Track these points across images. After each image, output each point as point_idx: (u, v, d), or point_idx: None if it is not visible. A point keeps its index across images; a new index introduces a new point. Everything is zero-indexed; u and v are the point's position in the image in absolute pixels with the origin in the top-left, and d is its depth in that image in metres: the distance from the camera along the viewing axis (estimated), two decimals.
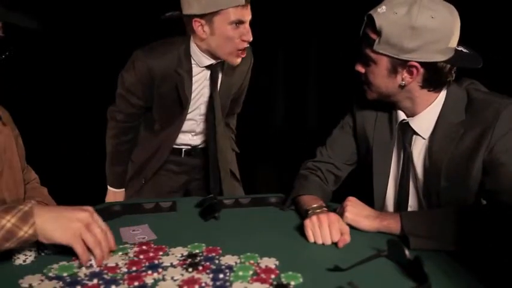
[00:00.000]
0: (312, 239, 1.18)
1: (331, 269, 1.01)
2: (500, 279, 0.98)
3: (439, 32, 1.18)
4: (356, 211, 1.25)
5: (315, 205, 1.27)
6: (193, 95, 1.82)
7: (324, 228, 1.17)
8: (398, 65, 1.23)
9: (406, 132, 1.34)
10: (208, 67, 1.79)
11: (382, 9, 1.21)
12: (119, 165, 1.98)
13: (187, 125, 1.89)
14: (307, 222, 1.20)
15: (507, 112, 1.21)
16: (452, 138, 1.26)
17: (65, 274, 1.00)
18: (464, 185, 1.26)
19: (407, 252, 1.00)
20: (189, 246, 1.14)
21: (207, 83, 1.83)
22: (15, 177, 1.31)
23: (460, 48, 1.24)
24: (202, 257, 1.08)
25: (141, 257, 1.08)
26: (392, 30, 1.19)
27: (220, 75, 1.84)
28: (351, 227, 1.21)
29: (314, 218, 1.19)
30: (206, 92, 1.85)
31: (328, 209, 1.26)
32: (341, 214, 1.25)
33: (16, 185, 1.31)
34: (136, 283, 0.96)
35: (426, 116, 1.31)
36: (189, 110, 1.85)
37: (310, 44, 3.11)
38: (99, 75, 2.05)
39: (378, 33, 1.21)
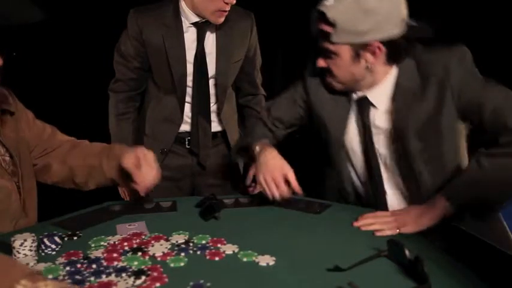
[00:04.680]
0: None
1: (331, 269, 1.01)
2: (501, 279, 0.98)
3: (389, 7, 1.25)
4: (409, 219, 1.23)
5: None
6: (186, 57, 1.83)
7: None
8: (360, 49, 1.28)
9: (364, 106, 1.39)
10: (195, 25, 1.82)
11: (329, 1, 1.26)
12: (122, 139, 1.91)
13: (187, 94, 1.89)
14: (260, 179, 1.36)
15: (454, 61, 1.27)
16: (412, 104, 1.31)
17: (50, 276, 0.98)
18: (438, 142, 1.32)
19: (407, 252, 1.00)
20: (194, 237, 1.17)
21: (196, 44, 1.84)
22: (29, 169, 1.34)
23: (409, 22, 1.30)
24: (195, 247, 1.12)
25: (125, 244, 1.13)
26: (346, 17, 1.24)
27: (214, 35, 1.85)
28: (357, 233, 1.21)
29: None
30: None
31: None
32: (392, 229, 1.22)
33: (30, 176, 1.34)
34: (115, 263, 1.03)
35: (383, 87, 1.36)
36: (187, 71, 1.85)
37: (309, 46, 3.10)
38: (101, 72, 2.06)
39: (333, 24, 1.26)
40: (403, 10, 1.28)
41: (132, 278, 0.96)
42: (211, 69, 1.87)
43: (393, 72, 1.35)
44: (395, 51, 1.31)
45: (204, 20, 1.80)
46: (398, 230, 1.20)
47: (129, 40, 1.86)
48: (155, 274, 0.98)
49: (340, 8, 1.25)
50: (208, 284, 0.95)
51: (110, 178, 1.39)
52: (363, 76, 1.34)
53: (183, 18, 1.83)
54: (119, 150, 1.38)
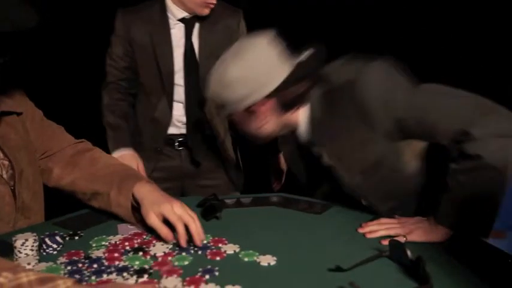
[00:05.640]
0: None
1: (332, 269, 1.01)
2: (502, 279, 0.98)
3: (253, 70, 1.26)
4: (416, 228, 1.19)
5: None
6: (174, 54, 1.84)
7: None
8: (248, 111, 1.31)
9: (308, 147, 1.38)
10: (183, 21, 1.83)
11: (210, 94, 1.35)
12: (116, 123, 1.91)
13: (177, 93, 1.88)
14: None
15: (365, 90, 1.22)
16: (327, 136, 1.30)
17: None
18: (373, 168, 1.29)
19: (409, 252, 0.99)
20: None
21: (184, 40, 1.85)
22: (34, 171, 1.32)
23: (300, 58, 1.31)
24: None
25: (126, 243, 1.13)
26: (217, 94, 1.31)
27: (197, 32, 1.86)
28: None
29: None
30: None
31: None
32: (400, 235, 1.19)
33: (35, 178, 1.32)
34: (116, 262, 1.03)
35: (303, 126, 1.35)
36: (174, 69, 1.85)
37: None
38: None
39: (215, 103, 1.35)
40: (274, 61, 1.28)
41: (134, 277, 0.96)
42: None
43: (306, 107, 1.34)
44: (287, 97, 1.29)
45: (190, 16, 1.81)
46: (405, 238, 1.16)
47: (117, 40, 1.88)
48: (169, 267, 1.01)
49: (211, 88, 1.33)
50: (217, 273, 0.98)
51: (115, 212, 1.26)
52: (274, 127, 1.36)
53: (169, 15, 1.83)
54: (134, 183, 1.22)
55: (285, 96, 1.29)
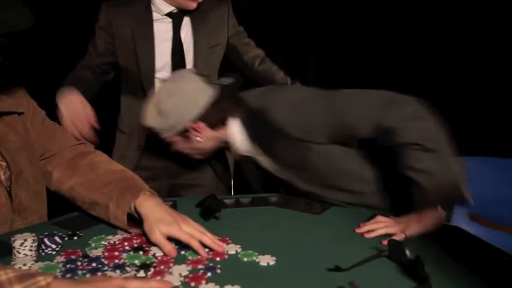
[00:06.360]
0: None
1: (332, 269, 1.01)
2: (501, 279, 0.98)
3: (183, 101, 1.46)
4: (411, 221, 1.23)
5: None
6: (157, 50, 1.83)
7: None
8: (183, 134, 1.51)
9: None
10: (170, 15, 1.82)
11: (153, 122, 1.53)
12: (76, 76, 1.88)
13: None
14: None
15: (277, 114, 1.38)
16: (265, 146, 1.45)
17: None
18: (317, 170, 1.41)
19: (407, 252, 1.00)
20: None
21: (171, 34, 1.84)
22: (35, 172, 1.30)
23: (220, 85, 1.52)
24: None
25: (126, 243, 1.13)
26: (152, 121, 1.52)
27: (190, 23, 1.85)
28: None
29: None
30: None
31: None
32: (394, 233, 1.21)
33: (36, 179, 1.30)
34: (116, 261, 1.03)
35: (237, 139, 1.51)
36: (157, 67, 1.84)
37: (309, 48, 3.11)
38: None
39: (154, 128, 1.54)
40: (197, 90, 1.48)
41: (141, 272, 0.98)
42: (189, 57, 1.85)
43: (235, 123, 1.50)
44: (215, 117, 1.49)
45: (177, 10, 1.80)
46: (404, 235, 1.18)
47: (99, 32, 1.87)
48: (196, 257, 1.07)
49: (148, 115, 1.52)
50: (219, 271, 0.99)
51: (113, 223, 1.22)
52: (209, 144, 1.56)
53: (154, 10, 1.83)
54: (134, 196, 1.18)
55: (210, 118, 1.48)
